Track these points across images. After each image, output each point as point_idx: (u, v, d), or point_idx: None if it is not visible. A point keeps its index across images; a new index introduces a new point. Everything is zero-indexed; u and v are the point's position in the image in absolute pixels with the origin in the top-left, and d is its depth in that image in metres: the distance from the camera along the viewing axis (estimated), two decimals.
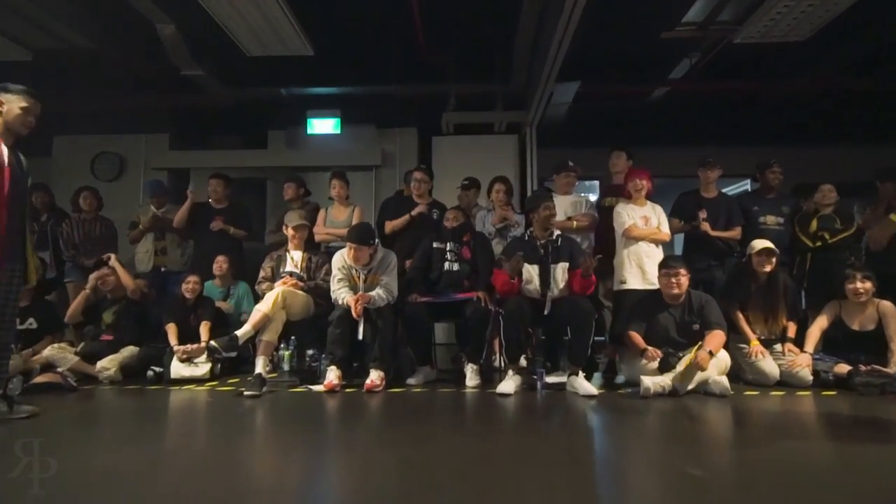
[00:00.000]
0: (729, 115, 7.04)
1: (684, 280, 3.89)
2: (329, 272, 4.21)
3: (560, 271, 3.91)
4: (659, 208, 4.41)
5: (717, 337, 3.71)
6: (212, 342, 3.83)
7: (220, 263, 5.08)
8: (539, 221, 4.03)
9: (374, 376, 3.83)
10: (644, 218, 4.31)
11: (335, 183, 5.01)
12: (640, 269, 4.23)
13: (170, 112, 7.24)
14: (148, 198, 5.71)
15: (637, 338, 3.89)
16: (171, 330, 4.41)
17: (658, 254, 4.29)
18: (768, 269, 4.08)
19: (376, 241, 4.13)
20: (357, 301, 3.87)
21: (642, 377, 3.55)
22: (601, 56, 6.00)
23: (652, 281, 4.15)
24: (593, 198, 5.09)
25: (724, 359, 3.71)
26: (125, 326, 4.51)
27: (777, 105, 6.93)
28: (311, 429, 2.98)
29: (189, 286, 4.63)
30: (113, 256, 4.78)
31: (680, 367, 3.58)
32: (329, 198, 5.11)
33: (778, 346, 4.05)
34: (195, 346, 4.25)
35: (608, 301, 4.60)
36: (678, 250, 5.37)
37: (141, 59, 5.97)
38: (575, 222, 4.53)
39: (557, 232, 4.08)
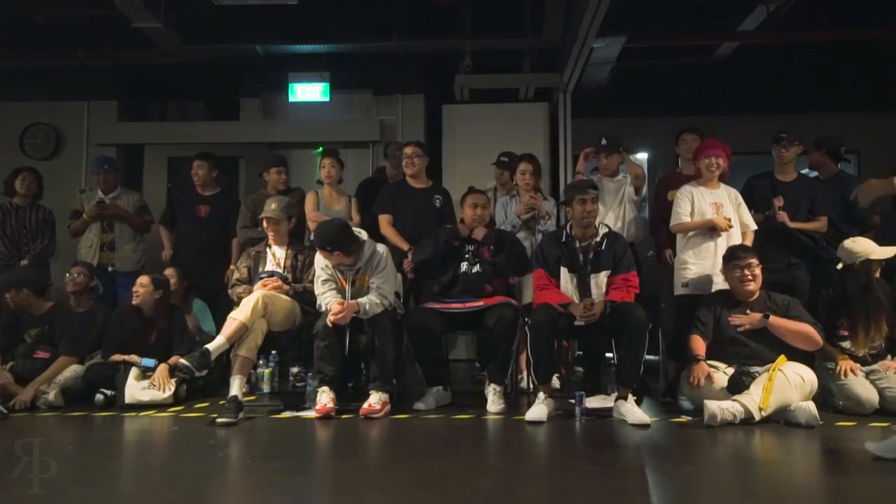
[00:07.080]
0: (816, 76, 6.97)
1: (759, 272, 3.97)
2: None
3: (601, 281, 3.98)
4: (735, 192, 4.44)
5: (806, 329, 3.80)
6: (181, 360, 3.87)
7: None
8: (575, 219, 4.07)
9: (374, 399, 3.86)
10: (714, 205, 4.33)
11: (326, 162, 5.05)
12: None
13: (118, 74, 7.26)
14: (93, 173, 5.71)
15: (699, 343, 3.92)
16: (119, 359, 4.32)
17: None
18: (878, 273, 4.10)
19: (362, 238, 4.12)
20: (339, 313, 3.87)
21: (706, 402, 3.54)
22: (654, 1, 5.97)
23: (724, 284, 4.18)
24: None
25: (810, 380, 3.70)
26: (63, 337, 4.47)
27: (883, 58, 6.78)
28: (296, 465, 3.00)
29: (137, 289, 4.48)
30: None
31: (756, 388, 3.58)
32: (318, 181, 5.15)
33: (878, 365, 4.03)
34: (165, 364, 4.24)
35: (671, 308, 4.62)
36: None
37: (81, 7, 5.97)
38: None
39: (603, 230, 4.10)
